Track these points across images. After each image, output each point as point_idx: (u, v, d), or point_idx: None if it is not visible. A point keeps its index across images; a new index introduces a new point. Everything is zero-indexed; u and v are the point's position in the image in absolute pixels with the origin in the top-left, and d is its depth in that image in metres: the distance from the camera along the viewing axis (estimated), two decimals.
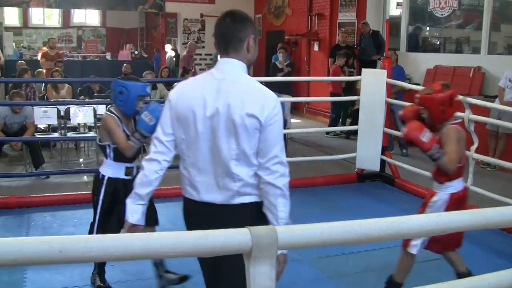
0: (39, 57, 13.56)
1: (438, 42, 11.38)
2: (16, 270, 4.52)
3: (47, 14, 25.24)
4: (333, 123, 10.92)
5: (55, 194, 6.44)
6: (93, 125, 8.72)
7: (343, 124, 10.98)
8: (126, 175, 4.04)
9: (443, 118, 3.77)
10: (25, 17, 24.35)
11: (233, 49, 2.62)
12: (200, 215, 2.67)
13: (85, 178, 7.36)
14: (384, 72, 6.82)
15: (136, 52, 22.26)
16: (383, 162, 7.23)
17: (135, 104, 3.91)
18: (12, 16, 23.67)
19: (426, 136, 3.66)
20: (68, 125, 8.87)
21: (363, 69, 7.10)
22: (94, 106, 8.44)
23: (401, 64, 9.98)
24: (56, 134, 8.52)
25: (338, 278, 4.45)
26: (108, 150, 4.00)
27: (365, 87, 6.89)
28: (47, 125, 8.89)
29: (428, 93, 3.81)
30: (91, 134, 8.52)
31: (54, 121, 8.43)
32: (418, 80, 10.50)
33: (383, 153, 7.15)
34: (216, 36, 2.68)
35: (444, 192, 3.87)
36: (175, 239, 1.55)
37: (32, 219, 5.84)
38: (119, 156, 3.99)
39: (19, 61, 12.36)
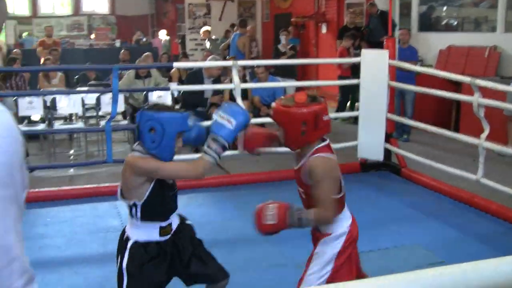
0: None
1: (451, 21, 10.72)
2: None
3: (61, 3, 24.88)
4: (341, 107, 10.36)
5: (30, 190, 6.00)
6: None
7: (352, 109, 10.39)
8: (161, 235, 2.89)
9: (301, 142, 2.80)
10: (34, 6, 23.98)
11: None
12: None
13: (71, 171, 6.93)
14: (385, 53, 6.23)
15: (144, 39, 21.78)
16: (389, 151, 6.67)
17: (174, 145, 2.79)
18: (21, 5, 23.35)
19: (271, 215, 2.72)
20: (58, 116, 8.49)
21: (362, 50, 6.53)
22: (82, 95, 7.96)
23: (412, 45, 9.37)
24: (43, 125, 8.08)
25: None
26: (134, 211, 2.84)
27: (365, 69, 6.32)
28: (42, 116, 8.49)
29: (286, 106, 2.77)
30: (79, 124, 8.09)
31: (40, 112, 7.98)
32: (431, 61, 9.89)
33: (388, 140, 6.58)
34: None
35: (339, 228, 2.91)
36: None
37: None
38: (149, 214, 2.84)
39: (14, 50, 11.94)
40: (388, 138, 6.57)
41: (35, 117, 8.96)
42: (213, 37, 13.99)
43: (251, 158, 7.26)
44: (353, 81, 6.87)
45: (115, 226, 5.07)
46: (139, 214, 2.82)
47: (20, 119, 8.37)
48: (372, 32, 10.44)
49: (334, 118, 10.16)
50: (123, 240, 2.94)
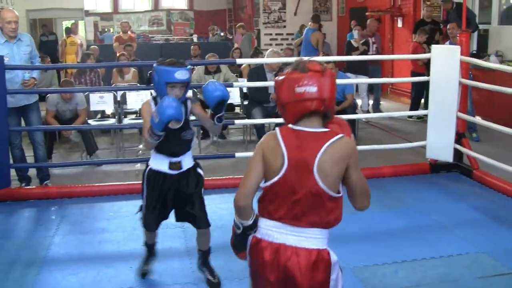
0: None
1: None
2: (29, 269, 4.20)
3: None
4: (414, 105, 10.03)
5: (96, 184, 6.13)
6: None
7: (426, 106, 10.02)
8: (170, 168, 3.62)
9: (284, 116, 2.34)
10: (115, 2, 24.63)
11: None
12: None
13: (138, 166, 7.01)
14: (457, 49, 5.93)
15: (222, 34, 21.92)
16: (460, 151, 6.37)
17: (165, 91, 3.41)
18: (103, 2, 24.08)
19: None
20: (130, 111, 8.66)
21: (433, 46, 6.24)
22: (152, 90, 8.03)
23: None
24: (113, 120, 8.25)
25: None
26: None
27: (435, 65, 6.05)
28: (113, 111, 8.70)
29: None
30: None
31: (110, 107, 8.16)
32: (511, 57, 9.39)
33: (459, 141, 6.28)
34: None
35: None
36: None
37: (68, 211, 5.54)
38: (161, 147, 3.55)
39: (91, 46, 12.26)
40: (459, 138, 6.28)
41: (108, 111, 9.19)
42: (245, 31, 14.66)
43: None
44: (424, 78, 6.58)
45: (174, 223, 5.04)
46: None
47: (93, 113, 8.60)
48: None
49: (409, 117, 9.88)
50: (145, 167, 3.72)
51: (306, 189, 2.20)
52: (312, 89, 2.19)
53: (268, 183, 2.26)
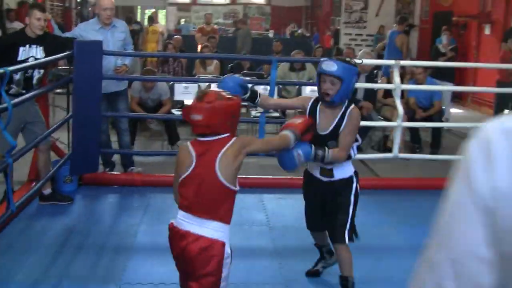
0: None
1: None
2: (118, 255, 4.25)
3: None
4: (496, 116, 9.64)
5: None
6: None
7: None
8: (321, 174, 3.51)
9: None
10: None
11: None
12: None
13: None
14: None
15: (299, 31, 21.85)
16: None
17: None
18: None
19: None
20: None
21: None
22: None
23: None
24: None
25: None
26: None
27: None
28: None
29: None
30: None
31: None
32: None
33: None
34: None
35: None
36: None
37: (153, 200, 5.58)
38: None
39: (175, 36, 12.39)
40: None
41: (188, 102, 9.25)
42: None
43: (400, 162, 6.98)
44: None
45: (260, 219, 5.05)
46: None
47: (175, 103, 8.67)
48: None
49: None
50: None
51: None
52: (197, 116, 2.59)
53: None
